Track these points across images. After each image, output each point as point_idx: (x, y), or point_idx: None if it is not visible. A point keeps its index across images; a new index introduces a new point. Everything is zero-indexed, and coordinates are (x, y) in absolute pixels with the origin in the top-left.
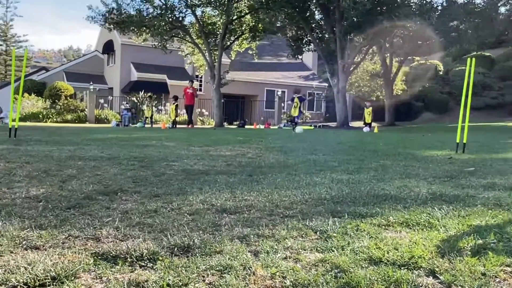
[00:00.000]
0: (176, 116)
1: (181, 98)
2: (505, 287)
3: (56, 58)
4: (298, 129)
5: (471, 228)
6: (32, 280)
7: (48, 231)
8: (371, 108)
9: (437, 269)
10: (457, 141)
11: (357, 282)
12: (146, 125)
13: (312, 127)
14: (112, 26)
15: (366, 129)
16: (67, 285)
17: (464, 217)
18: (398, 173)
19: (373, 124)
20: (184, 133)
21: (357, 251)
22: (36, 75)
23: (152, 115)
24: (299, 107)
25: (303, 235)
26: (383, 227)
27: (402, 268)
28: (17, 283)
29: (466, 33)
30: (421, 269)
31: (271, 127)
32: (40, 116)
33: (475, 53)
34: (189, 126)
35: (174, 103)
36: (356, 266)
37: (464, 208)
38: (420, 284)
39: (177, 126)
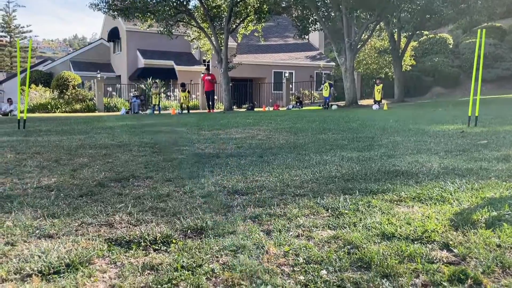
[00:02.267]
0: (189, 102)
1: (196, 84)
2: None
3: (62, 48)
4: (334, 106)
5: (484, 200)
6: (47, 268)
7: (61, 219)
8: (381, 85)
9: (451, 242)
10: (469, 114)
11: (370, 257)
12: (155, 112)
13: (321, 107)
14: (116, 13)
15: (375, 106)
16: (82, 271)
17: (477, 190)
18: (409, 149)
19: (383, 101)
20: (194, 118)
21: (369, 227)
22: (43, 66)
23: (159, 102)
24: (330, 90)
25: (315, 213)
26: (395, 202)
27: (416, 242)
28: (31, 271)
29: (476, 4)
30: (435, 242)
31: (280, 108)
32: (49, 106)
33: (485, 24)
34: (209, 111)
35: (184, 90)
36: (369, 242)
37: (477, 181)
38: (434, 258)
39: (190, 111)
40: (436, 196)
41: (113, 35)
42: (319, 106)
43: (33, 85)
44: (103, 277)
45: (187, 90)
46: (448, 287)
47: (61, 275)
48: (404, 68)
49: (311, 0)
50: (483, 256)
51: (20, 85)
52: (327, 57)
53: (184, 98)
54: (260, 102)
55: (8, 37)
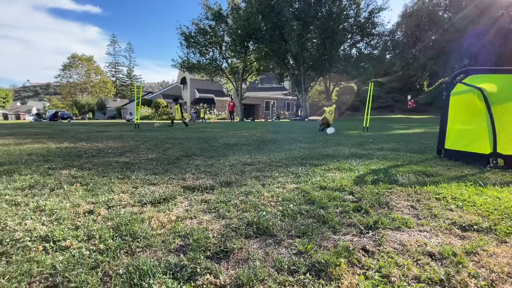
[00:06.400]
0: (182, 115)
1: (224, 106)
2: (388, 199)
3: (157, 87)
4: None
5: (371, 170)
6: (154, 200)
7: (159, 176)
8: (334, 106)
9: (354, 191)
10: (364, 125)
11: (314, 198)
12: (203, 121)
13: (289, 120)
14: (184, 69)
15: (330, 130)
16: (171, 202)
17: (367, 165)
18: (334, 143)
19: (319, 117)
20: (223, 124)
21: (314, 182)
22: (146, 96)
23: (204, 115)
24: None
25: (286, 175)
26: (327, 170)
27: (336, 191)
28: (146, 201)
29: (367, 69)
30: (346, 191)
31: (268, 120)
32: (149, 117)
33: (373, 79)
34: (231, 121)
35: (177, 103)
36: (314, 190)
37: (367, 160)
38: (346, 199)
39: (173, 123)
40: (347, 167)
41: (183, 81)
42: (289, 119)
43: (142, 106)
44: (181, 205)
45: (179, 103)
46: (353, 213)
47: (161, 204)
48: (331, 101)
49: (285, 65)
50: (369, 198)
51: (136, 105)
52: (293, 94)
53: (177, 111)
54: (258, 116)
55: (129, 80)
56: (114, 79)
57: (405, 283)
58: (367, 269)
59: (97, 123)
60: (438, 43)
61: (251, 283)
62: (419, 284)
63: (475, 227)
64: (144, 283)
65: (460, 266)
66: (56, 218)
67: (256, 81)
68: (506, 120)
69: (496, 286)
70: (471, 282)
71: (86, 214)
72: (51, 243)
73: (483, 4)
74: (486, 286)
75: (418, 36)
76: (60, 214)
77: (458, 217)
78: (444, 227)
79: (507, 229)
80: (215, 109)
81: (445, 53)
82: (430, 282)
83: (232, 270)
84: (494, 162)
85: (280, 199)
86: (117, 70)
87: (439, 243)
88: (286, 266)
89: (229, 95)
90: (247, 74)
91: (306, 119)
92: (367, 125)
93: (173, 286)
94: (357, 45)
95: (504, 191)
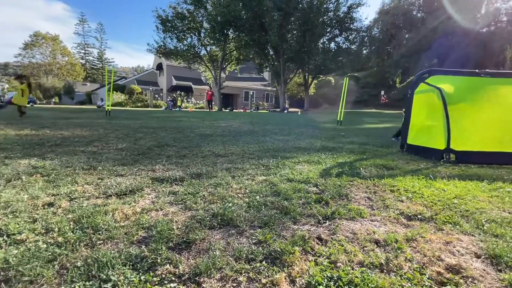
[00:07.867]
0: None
1: (203, 95)
2: (348, 191)
3: (131, 72)
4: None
5: (337, 163)
6: (120, 192)
7: (128, 167)
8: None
9: (318, 183)
10: (338, 119)
11: (280, 190)
12: (180, 109)
13: (267, 111)
14: (160, 55)
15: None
16: (138, 194)
17: (335, 158)
18: (308, 135)
19: (298, 109)
20: (201, 114)
21: (282, 175)
22: (120, 81)
23: (181, 104)
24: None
25: (257, 167)
26: (296, 163)
27: (303, 183)
28: (111, 193)
29: (345, 64)
30: (311, 183)
31: (247, 110)
32: (123, 104)
33: (350, 74)
34: (209, 110)
35: (23, 83)
36: (281, 182)
37: (336, 154)
38: (310, 190)
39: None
40: (316, 160)
41: (159, 67)
42: (267, 110)
43: (114, 92)
44: (148, 197)
45: (26, 83)
46: (314, 204)
47: (127, 195)
48: (310, 93)
49: (265, 55)
50: (331, 190)
51: (107, 91)
52: (272, 85)
53: (19, 93)
54: (236, 106)
55: (101, 64)
56: (83, 61)
57: (349, 268)
58: (318, 256)
59: (64, 108)
60: (411, 42)
61: (208, 271)
62: (362, 268)
63: (419, 216)
64: (102, 275)
65: (399, 251)
66: (11, 211)
67: (236, 71)
68: (459, 119)
69: (426, 268)
70: (406, 265)
71: (46, 207)
72: (5, 237)
73: (453, 6)
74: (418, 269)
75: (393, 34)
76: (16, 206)
77: (406, 207)
78: (393, 216)
79: (445, 218)
80: (192, 98)
81: (416, 51)
82: (372, 266)
83: (192, 259)
84: (447, 157)
85: (247, 191)
86: (86, 52)
87: (386, 231)
88: (245, 255)
89: (208, 83)
90: (226, 63)
91: (285, 111)
92: (341, 119)
93: (131, 276)
94: (336, 39)
95: (450, 184)
